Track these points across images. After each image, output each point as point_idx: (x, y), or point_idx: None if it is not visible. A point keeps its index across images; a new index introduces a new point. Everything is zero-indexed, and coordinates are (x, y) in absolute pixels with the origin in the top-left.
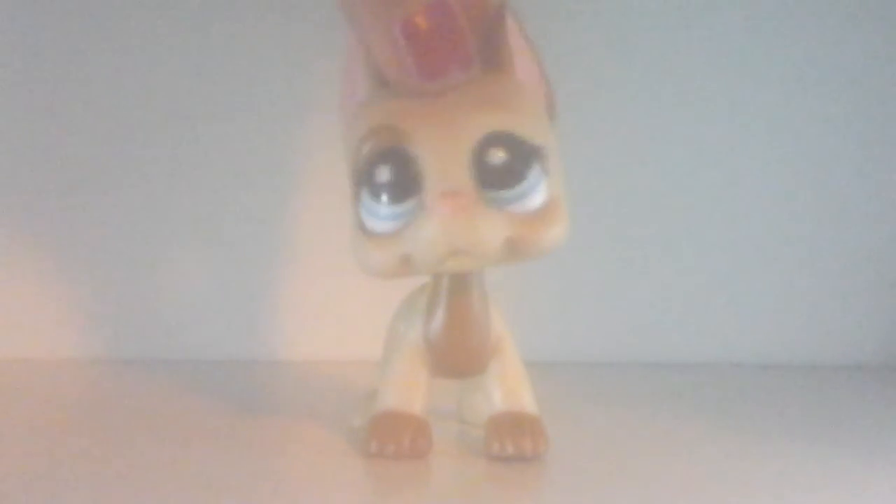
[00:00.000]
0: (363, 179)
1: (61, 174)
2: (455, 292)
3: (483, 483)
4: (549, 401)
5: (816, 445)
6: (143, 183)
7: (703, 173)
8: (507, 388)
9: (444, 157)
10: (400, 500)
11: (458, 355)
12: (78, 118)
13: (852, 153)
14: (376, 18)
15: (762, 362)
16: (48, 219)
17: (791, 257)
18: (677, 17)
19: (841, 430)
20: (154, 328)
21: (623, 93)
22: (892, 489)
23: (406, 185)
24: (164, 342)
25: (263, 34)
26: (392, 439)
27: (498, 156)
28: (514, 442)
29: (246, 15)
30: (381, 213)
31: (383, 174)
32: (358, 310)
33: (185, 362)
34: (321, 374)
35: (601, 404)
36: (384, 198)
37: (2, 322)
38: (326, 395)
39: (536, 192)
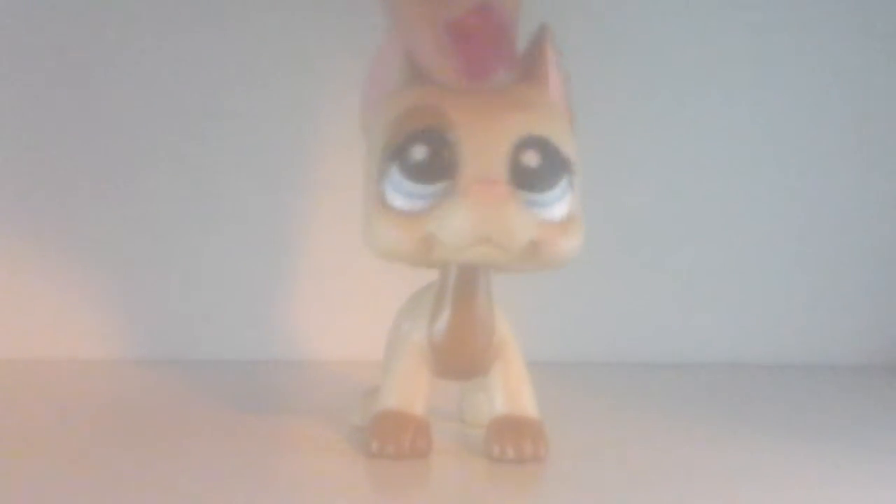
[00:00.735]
0: (396, 155)
1: (64, 173)
2: (461, 293)
3: (483, 484)
4: (548, 401)
5: (816, 445)
6: (146, 183)
7: (703, 173)
8: (509, 390)
9: (483, 147)
10: (400, 500)
11: (462, 356)
12: (81, 117)
13: (852, 153)
14: (421, 18)
15: (762, 362)
16: (50, 219)
17: (791, 257)
18: (680, 17)
19: (841, 430)
20: (156, 328)
21: (624, 93)
22: (893, 489)
23: (441, 166)
24: (167, 342)
25: (272, 33)
26: (392, 439)
27: (534, 158)
28: (514, 445)
29: (251, 13)
30: (410, 190)
31: (419, 152)
32: (362, 309)
33: (187, 362)
34: (324, 374)
35: (601, 404)
36: (416, 175)
37: (1, 322)
38: (328, 395)
39: (562, 203)
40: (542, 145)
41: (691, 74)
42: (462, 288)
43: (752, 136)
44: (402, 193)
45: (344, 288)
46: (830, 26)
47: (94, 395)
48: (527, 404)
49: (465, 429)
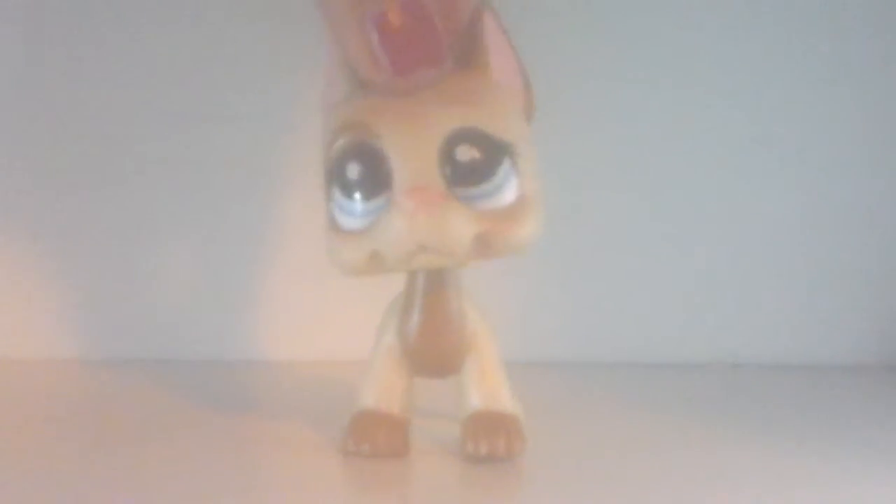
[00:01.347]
0: (334, 176)
1: (61, 174)
2: (430, 292)
3: (461, 483)
4: (546, 401)
5: (816, 445)
6: (131, 186)
7: (703, 173)
8: (484, 386)
9: (412, 153)
10: (377, 499)
11: (434, 354)
12: (71, 122)
13: (852, 153)
14: (349, 14)
15: (762, 362)
16: (44, 220)
17: (791, 257)
18: (680, 17)
19: (841, 430)
20: (147, 329)
21: (623, 91)
22: (893, 489)
23: (375, 181)
24: (157, 343)
25: (251, 36)
26: (368, 438)
27: (466, 152)
28: (488, 442)
29: (232, 17)
30: (352, 210)
31: (353, 171)
32: (346, 310)
33: (175, 362)
34: (307, 375)
35: (599, 404)
36: (354, 194)
37: (2, 322)
38: (311, 395)
39: (506, 190)
40: (473, 136)
41: (691, 73)
42: (430, 287)
43: (752, 135)
44: (346, 214)
45: (327, 289)
46: (830, 25)
47: (72, 396)
48: (502, 399)
49: (442, 427)
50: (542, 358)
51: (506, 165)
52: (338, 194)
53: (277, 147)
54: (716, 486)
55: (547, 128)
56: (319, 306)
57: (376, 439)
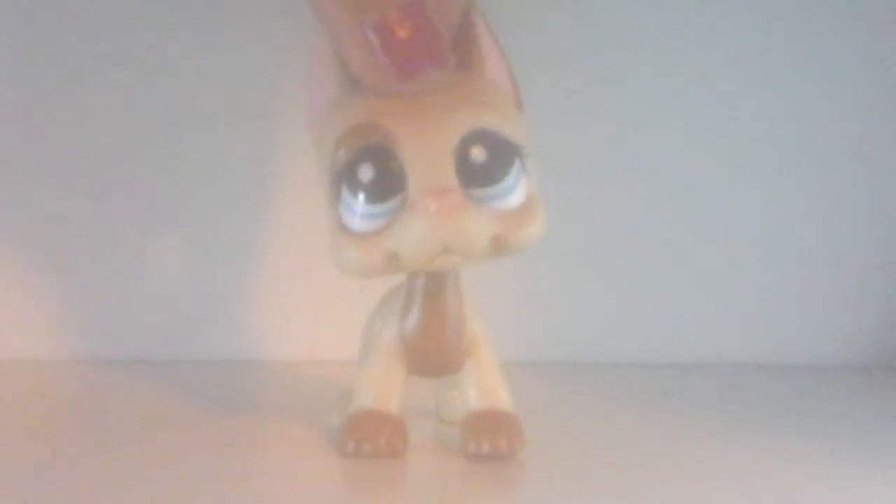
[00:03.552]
0: (344, 178)
1: (60, 175)
2: (430, 291)
3: (460, 481)
4: (546, 401)
5: (816, 445)
6: (142, 185)
7: (702, 173)
8: (483, 386)
9: (428, 154)
10: (377, 499)
11: (433, 354)
12: (69, 123)
13: (852, 153)
14: (349, 19)
15: (762, 362)
16: (44, 220)
17: (791, 257)
18: (680, 16)
19: (841, 430)
20: (147, 329)
21: (623, 90)
22: (892, 489)
23: (389, 183)
24: (157, 343)
25: (243, 36)
26: (368, 438)
27: (480, 153)
28: (489, 440)
29: (226, 17)
30: (364, 212)
31: (366, 172)
32: (341, 309)
33: (162, 362)
34: (303, 374)
35: (599, 404)
36: (367, 196)
37: (2, 322)
38: (308, 395)
39: (516, 191)
40: (486, 137)
41: (689, 71)
42: (431, 286)
43: (751, 135)
44: (356, 215)
45: (325, 289)
46: (830, 25)
47: (72, 396)
48: (502, 399)
49: (441, 427)
50: (542, 358)
51: (517, 167)
52: (347, 196)
53: (276, 147)
54: (716, 486)
55: (547, 127)
56: (319, 306)
57: (377, 440)
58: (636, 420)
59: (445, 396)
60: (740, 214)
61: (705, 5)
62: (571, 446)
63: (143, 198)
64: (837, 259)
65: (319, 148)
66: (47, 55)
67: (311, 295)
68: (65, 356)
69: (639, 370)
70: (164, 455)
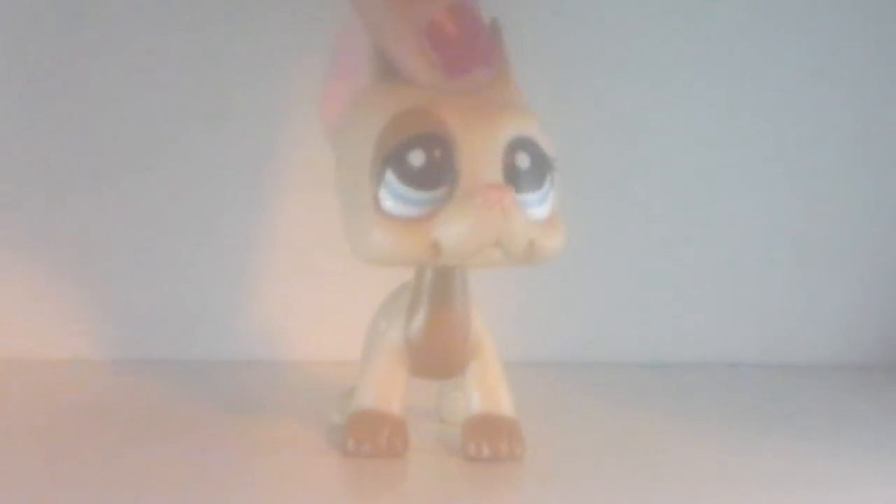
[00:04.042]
0: (391, 161)
1: (61, 174)
2: (438, 292)
3: (460, 483)
4: (546, 401)
5: (816, 445)
6: (142, 184)
7: (702, 173)
8: (485, 389)
9: (480, 150)
10: (376, 499)
11: (439, 355)
12: (74, 120)
13: (852, 152)
14: (397, 21)
15: (762, 362)
16: (46, 219)
17: (791, 257)
18: (679, 15)
19: (841, 430)
20: (148, 329)
21: (622, 92)
22: (892, 489)
23: (441, 172)
24: (146, 342)
25: (251, 33)
26: (369, 438)
27: (524, 159)
28: (490, 444)
29: (230, 13)
30: (409, 197)
31: (417, 157)
32: (346, 310)
33: (165, 362)
34: (301, 374)
35: (599, 404)
36: (417, 182)
37: (2, 322)
38: (305, 395)
39: (547, 202)
40: (529, 146)
41: (689, 71)
42: (438, 287)
43: (751, 135)
44: (401, 200)
45: (329, 289)
46: (830, 24)
47: (72, 395)
48: (503, 403)
49: (442, 428)
50: (542, 358)
51: (549, 178)
52: (392, 179)
53: (281, 146)
54: (715, 486)
55: (547, 127)
56: (321, 306)
57: (377, 440)
58: (636, 420)
59: (448, 397)
60: (740, 214)
61: (705, 6)
62: (571, 446)
63: (144, 197)
64: (837, 259)
65: (347, 134)
66: (48, 55)
67: (313, 295)
68: (65, 356)
69: (639, 370)
70: (165, 454)
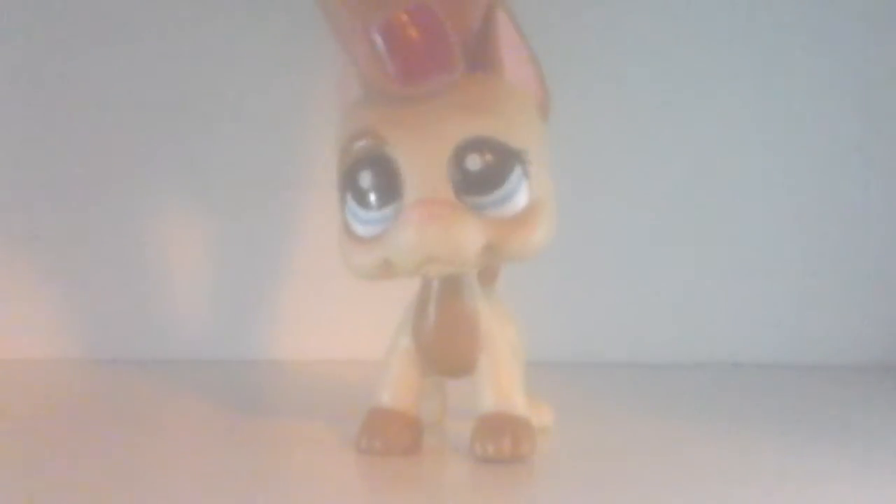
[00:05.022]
0: (347, 184)
1: (61, 174)
2: (445, 293)
3: (472, 482)
4: (545, 401)
5: (816, 445)
6: (143, 184)
7: (702, 172)
8: (497, 387)
9: (422, 162)
10: (389, 496)
11: (448, 355)
12: (76, 120)
13: (852, 153)
14: (354, 22)
15: (762, 362)
16: (45, 220)
17: (791, 257)
18: (682, 18)
19: (841, 430)
20: (152, 328)
21: (624, 93)
22: (893, 489)
23: (387, 190)
24: (162, 342)
25: (260, 36)
26: (381, 435)
27: (476, 161)
28: (494, 443)
29: (243, 16)
30: (364, 217)
31: (365, 179)
32: (354, 309)
33: (183, 362)
34: (316, 374)
35: (599, 404)
36: (366, 202)
37: (2, 322)
38: (320, 394)
39: (517, 197)
40: (483, 145)
41: (690, 72)
42: (445, 290)
43: (752, 135)
44: (358, 221)
45: (337, 288)
46: (830, 24)
47: (73, 396)
48: (514, 402)
49: (455, 427)
50: (543, 358)
51: (517, 172)
52: (351, 201)
53: (286, 148)
54: (715, 486)
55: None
56: (329, 306)
57: (389, 437)
58: (637, 420)
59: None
60: (741, 215)
61: (705, 6)
62: (571, 446)
63: (145, 198)
64: (838, 259)
65: (335, 150)
66: (51, 56)
67: (328, 295)
68: (65, 356)
69: (639, 370)
70: (172, 454)
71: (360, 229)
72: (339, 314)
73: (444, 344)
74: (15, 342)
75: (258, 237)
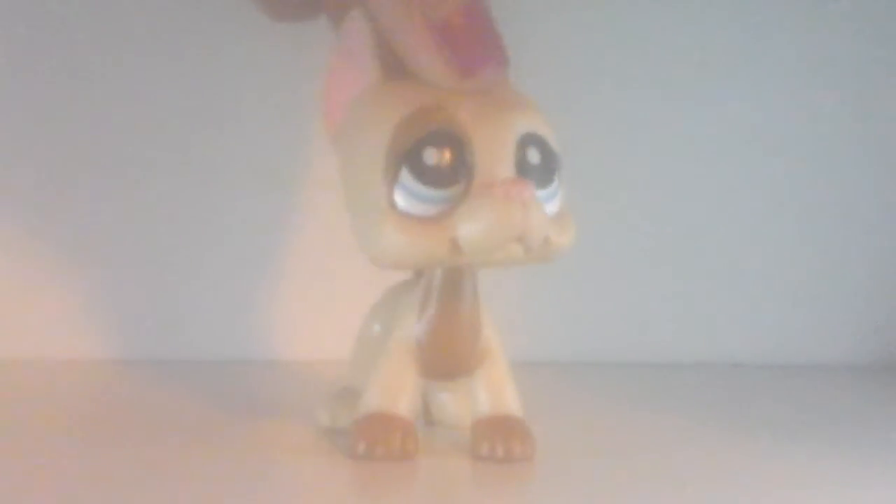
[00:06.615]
0: (406, 159)
1: (62, 174)
2: (447, 293)
3: (471, 484)
4: (546, 401)
5: (816, 445)
6: (142, 184)
7: (702, 172)
8: (493, 390)
9: (493, 146)
10: (390, 497)
11: (449, 357)
12: (77, 119)
13: (852, 153)
14: (410, 20)
15: (762, 362)
16: (47, 219)
17: (791, 257)
18: (681, 18)
19: (841, 430)
20: (152, 328)
21: (623, 92)
22: (892, 489)
23: (456, 168)
24: (162, 342)
25: (260, 34)
26: (381, 441)
27: (535, 155)
28: (503, 444)
29: (243, 16)
30: (425, 195)
31: (433, 156)
32: (346, 310)
33: (183, 362)
34: (313, 374)
35: (599, 404)
36: (432, 179)
37: (2, 322)
38: (310, 395)
39: (556, 198)
40: (539, 142)
41: (692, 73)
42: (448, 288)
43: (752, 135)
44: (417, 199)
45: (335, 288)
46: (830, 24)
47: (73, 396)
48: (511, 404)
49: (451, 430)
50: (543, 358)
51: (558, 175)
52: (408, 178)
53: (282, 147)
54: (715, 486)
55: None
56: (329, 306)
57: (390, 442)
58: (638, 420)
59: (436, 399)
60: (740, 214)
61: (704, 6)
62: (571, 446)
63: (145, 198)
64: (837, 259)
65: (353, 133)
66: (53, 52)
67: (313, 295)
68: (68, 356)
69: (639, 370)
70: (168, 456)
71: (417, 208)
72: (339, 314)
73: (447, 347)
74: (15, 342)
75: (258, 237)
